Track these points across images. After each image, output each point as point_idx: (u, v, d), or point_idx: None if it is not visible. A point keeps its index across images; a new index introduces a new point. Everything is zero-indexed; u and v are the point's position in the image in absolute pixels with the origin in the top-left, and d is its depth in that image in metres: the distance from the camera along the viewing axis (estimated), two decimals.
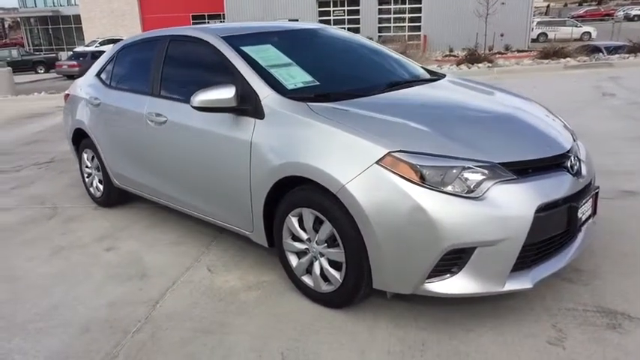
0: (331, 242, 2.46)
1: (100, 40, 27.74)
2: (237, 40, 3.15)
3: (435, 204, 2.13)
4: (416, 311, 2.51)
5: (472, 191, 2.16)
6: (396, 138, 2.28)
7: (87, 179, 4.56)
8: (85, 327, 2.60)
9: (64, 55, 30.19)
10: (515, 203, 2.17)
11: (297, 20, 29.46)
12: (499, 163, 2.23)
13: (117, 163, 3.98)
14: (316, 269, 2.58)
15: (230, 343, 2.38)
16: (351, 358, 2.22)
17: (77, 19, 35.30)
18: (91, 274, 3.20)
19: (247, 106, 2.76)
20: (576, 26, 31.05)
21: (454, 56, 14.28)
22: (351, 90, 2.87)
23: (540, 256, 2.34)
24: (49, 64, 25.94)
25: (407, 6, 29.90)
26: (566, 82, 9.88)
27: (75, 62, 22.54)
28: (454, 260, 2.20)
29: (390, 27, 30.12)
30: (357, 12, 30.18)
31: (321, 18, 30.38)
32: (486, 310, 2.48)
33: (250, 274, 3.04)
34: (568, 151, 2.46)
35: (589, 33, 30.38)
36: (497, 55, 16.72)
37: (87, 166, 4.50)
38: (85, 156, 4.48)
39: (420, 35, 29.48)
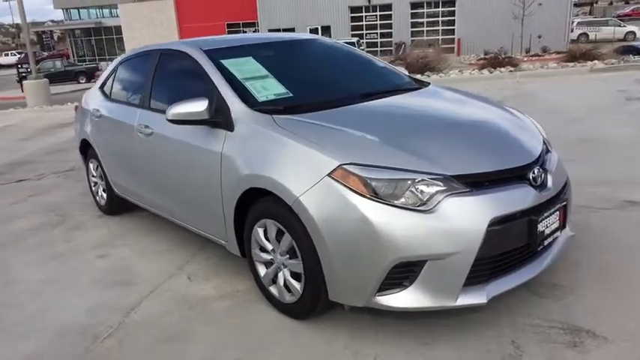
0: (292, 253, 2.48)
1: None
2: (219, 53, 3.22)
3: (383, 217, 2.12)
4: (378, 324, 2.50)
5: (423, 204, 2.14)
6: (350, 150, 2.29)
7: (93, 188, 4.75)
8: (61, 332, 2.71)
9: (104, 65, 31.42)
10: (467, 216, 2.14)
11: (316, 29, 29.64)
12: (452, 176, 2.20)
13: (116, 172, 4.14)
14: (280, 280, 2.61)
15: (188, 352, 2.44)
16: None
17: (118, 29, 36.68)
18: (79, 280, 3.34)
19: (220, 118, 2.82)
20: (620, 26, 29.81)
21: (507, 58, 13.97)
22: (322, 101, 2.88)
23: (498, 271, 2.28)
24: (90, 74, 27.03)
25: (440, 9, 29.55)
26: (590, 85, 9.53)
27: None
28: (405, 273, 2.18)
29: (423, 31, 29.81)
30: (389, 17, 30.05)
31: (353, 24, 30.44)
32: (450, 324, 2.44)
33: (227, 283, 3.09)
34: (532, 163, 2.39)
35: (633, 33, 29.12)
36: (525, 59, 16.26)
37: (93, 176, 4.68)
38: (91, 166, 4.66)
39: (454, 39, 29.08)
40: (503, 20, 26.72)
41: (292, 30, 31.01)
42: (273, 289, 2.69)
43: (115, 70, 4.29)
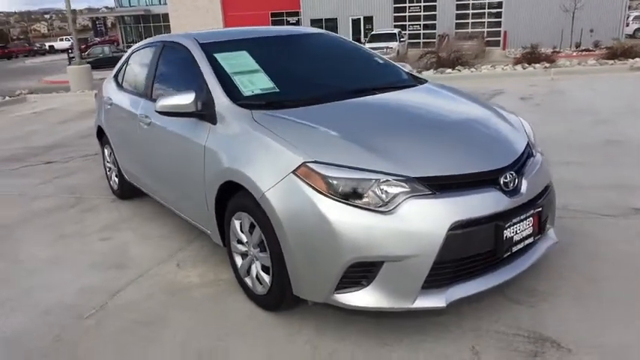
0: (262, 247, 2.53)
1: None
2: (214, 47, 3.28)
3: (341, 216, 2.13)
4: (345, 321, 2.51)
5: (383, 205, 2.13)
6: (316, 148, 2.30)
7: (108, 173, 4.95)
8: (47, 310, 2.87)
9: None
10: (428, 219, 2.12)
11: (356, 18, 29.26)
12: (416, 178, 2.17)
13: (124, 159, 4.30)
14: (253, 272, 2.66)
15: (160, 337, 2.53)
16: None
17: (166, 17, 37.57)
18: (78, 261, 3.50)
19: (205, 111, 2.88)
20: None
21: (544, 53, 13.40)
22: (307, 97, 2.89)
23: (461, 275, 2.25)
24: None
25: (487, 1, 28.67)
26: (627, 84, 9.06)
27: None
28: (364, 273, 2.18)
29: (468, 23, 29.04)
30: (433, 8, 29.42)
31: (396, 14, 30.01)
32: (415, 325, 2.43)
33: (212, 272, 3.17)
34: (504, 168, 2.33)
35: None
36: (562, 54, 15.54)
37: (107, 161, 4.88)
38: (105, 151, 4.86)
39: (500, 31, 28.19)
40: (553, 13, 25.70)
41: (334, 20, 30.95)
42: (247, 280, 2.74)
43: (127, 60, 4.43)
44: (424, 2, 29.47)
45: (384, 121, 2.62)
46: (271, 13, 34.82)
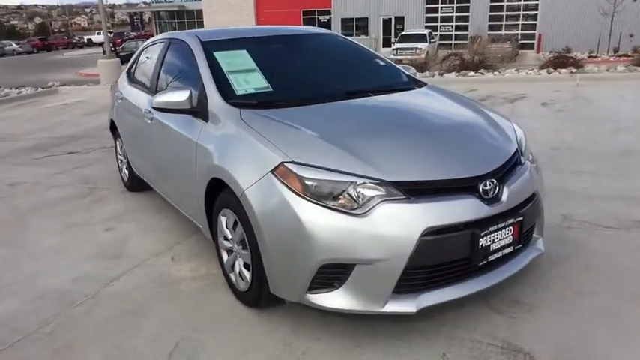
0: (244, 244, 2.57)
1: None
2: (215, 45, 3.34)
3: (314, 217, 2.15)
4: (321, 321, 2.52)
5: (357, 208, 2.14)
6: (296, 149, 2.32)
7: (120, 165, 5.09)
8: (42, 295, 2.98)
9: None
10: (400, 224, 2.11)
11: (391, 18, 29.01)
12: (392, 182, 2.17)
13: (132, 153, 4.41)
14: (236, 267, 2.70)
15: (142, 326, 2.60)
16: (228, 356, 2.32)
17: (200, 13, 38.12)
18: (80, 250, 3.62)
19: (199, 108, 2.94)
20: None
21: (571, 58, 12.94)
22: (299, 98, 2.92)
23: (434, 282, 2.24)
24: None
25: (522, 2, 28.07)
26: None
27: None
28: (335, 274, 2.20)
29: (501, 25, 28.49)
30: (466, 9, 28.98)
31: (428, 15, 29.70)
32: (390, 330, 2.42)
33: (204, 266, 3.24)
34: (484, 175, 2.30)
35: None
36: (598, 59, 15.06)
37: (119, 154, 5.01)
38: (118, 144, 4.99)
39: (534, 34, 27.58)
40: (590, 17, 24.97)
41: (365, 19, 30.86)
42: (232, 276, 2.79)
43: (139, 55, 4.54)
44: (457, 3, 29.05)
45: (370, 124, 2.62)
46: (303, 12, 34.92)
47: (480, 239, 2.22)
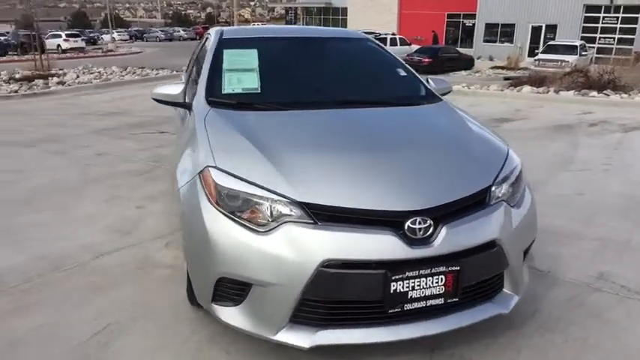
0: None
1: None
2: (230, 42, 3.39)
3: (219, 228, 2.07)
4: (242, 334, 2.43)
5: (261, 225, 2.02)
6: (226, 156, 2.25)
7: None
8: (45, 256, 3.31)
9: None
10: (300, 249, 1.95)
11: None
12: (302, 203, 2.00)
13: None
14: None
15: (95, 302, 2.75)
16: (139, 350, 2.36)
17: (345, 11, 38.93)
18: (103, 221, 3.95)
19: (190, 103, 3.01)
20: None
21: None
22: (282, 102, 2.85)
23: (337, 319, 2.02)
24: None
25: None
26: None
27: None
28: (237, 291, 2.10)
29: None
30: (634, 20, 25.52)
31: (586, 24, 26.76)
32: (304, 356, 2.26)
33: None
34: (413, 212, 2.00)
35: None
36: None
37: None
38: None
39: None
40: None
41: (512, 26, 28.83)
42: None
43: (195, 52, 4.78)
44: (623, 13, 25.71)
45: (327, 137, 2.45)
46: (447, 14, 33.77)
47: (392, 283, 1.95)
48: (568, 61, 20.49)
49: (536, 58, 21.87)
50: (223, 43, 3.36)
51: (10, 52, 27.92)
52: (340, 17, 40.10)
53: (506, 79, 15.38)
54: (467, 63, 21.60)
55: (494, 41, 29.78)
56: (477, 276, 2.12)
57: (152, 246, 3.49)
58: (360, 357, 2.25)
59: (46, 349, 2.36)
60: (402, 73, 3.40)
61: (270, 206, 2.03)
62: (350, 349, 2.22)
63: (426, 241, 2.00)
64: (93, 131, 7.67)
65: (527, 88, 11.51)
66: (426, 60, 20.59)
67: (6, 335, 2.46)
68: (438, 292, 2.03)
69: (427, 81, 3.48)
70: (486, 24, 29.74)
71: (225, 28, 3.72)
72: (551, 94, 10.70)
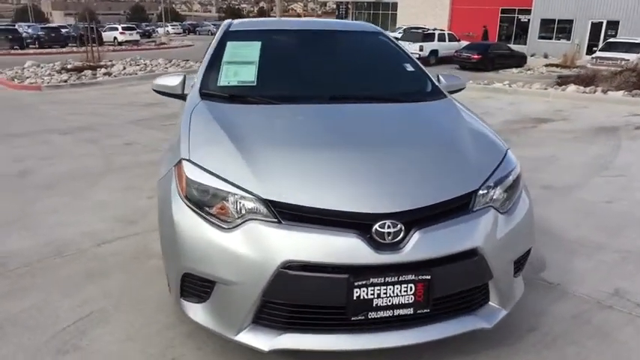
0: None
1: (404, 28, 29.50)
2: (236, 35, 3.34)
3: (186, 222, 2.03)
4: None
5: (225, 221, 1.96)
6: (202, 149, 2.20)
7: None
8: (50, 242, 3.40)
9: None
10: (262, 249, 1.87)
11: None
12: (268, 200, 1.93)
13: None
14: None
15: (84, 290, 2.79)
16: (113, 339, 2.37)
17: (395, 6, 38.35)
18: (113, 210, 4.03)
19: (187, 94, 2.99)
20: None
21: None
22: (275, 95, 2.78)
23: (300, 324, 1.94)
24: None
25: None
26: None
27: None
28: (203, 287, 2.05)
29: None
30: None
31: None
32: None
33: None
34: (384, 214, 1.88)
35: None
36: None
37: None
38: None
39: None
40: None
41: (570, 22, 27.49)
42: None
43: None
44: None
45: (309, 133, 2.36)
46: (501, 9, 32.62)
47: (355, 289, 1.84)
48: (629, 60, 19.33)
49: (593, 55, 20.76)
50: (229, 35, 3.32)
51: (70, 44, 29.25)
52: (390, 12, 39.54)
53: (560, 77, 14.66)
54: (518, 60, 20.76)
55: (550, 38, 28.51)
56: (453, 286, 1.98)
57: (151, 237, 3.50)
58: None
59: (29, 333, 2.40)
60: (409, 68, 3.24)
61: (237, 202, 1.97)
62: (328, 356, 2.13)
63: (395, 246, 1.87)
64: (128, 121, 7.89)
65: (572, 88, 10.92)
66: (475, 57, 19.96)
67: None
68: (407, 302, 1.90)
69: (437, 77, 3.32)
70: (542, 19, 28.50)
71: (235, 20, 3.68)
72: (598, 94, 10.09)
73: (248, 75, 2.96)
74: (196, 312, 2.09)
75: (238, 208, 1.96)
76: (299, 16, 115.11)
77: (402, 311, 1.92)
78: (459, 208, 2.03)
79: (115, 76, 13.08)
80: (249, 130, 2.34)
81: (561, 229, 3.72)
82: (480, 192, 2.09)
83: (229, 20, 3.70)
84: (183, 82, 3.02)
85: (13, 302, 2.67)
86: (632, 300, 2.76)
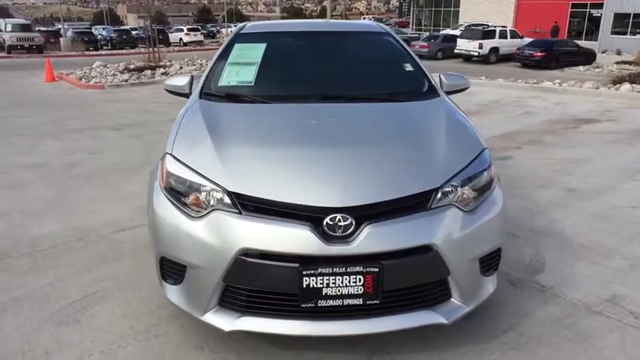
0: None
1: (465, 25, 28.76)
2: (245, 37, 3.53)
3: (162, 211, 2.23)
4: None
5: (195, 211, 2.14)
6: (183, 144, 2.39)
7: None
8: (75, 227, 3.75)
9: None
10: (223, 237, 2.03)
11: None
12: (232, 192, 2.08)
13: None
14: None
15: (95, 272, 3.08)
16: (111, 317, 2.60)
17: (457, 2, 37.43)
18: (140, 200, 4.32)
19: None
20: None
21: None
22: (271, 95, 2.92)
23: (257, 307, 2.08)
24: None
25: None
26: None
27: (426, 43, 24.44)
28: (178, 271, 2.24)
29: None
30: None
31: None
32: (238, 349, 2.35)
33: None
34: (334, 208, 1.97)
35: None
36: None
37: None
38: None
39: None
40: None
41: None
42: None
43: None
44: None
45: (283, 131, 2.49)
46: (571, 4, 30.99)
47: (305, 278, 1.95)
48: None
49: None
50: (239, 37, 3.51)
51: (139, 45, 30.95)
52: (452, 9, 38.63)
53: (632, 75, 13.74)
54: (586, 57, 19.59)
55: (624, 33, 26.78)
56: (405, 280, 2.04)
57: None
58: (298, 353, 2.28)
59: (39, 306, 2.70)
60: (409, 68, 3.28)
61: (208, 194, 2.13)
62: (293, 345, 2.26)
63: (344, 239, 1.97)
64: (171, 119, 8.31)
65: (626, 87, 10.27)
66: (538, 54, 19.11)
67: (14, 291, 2.86)
68: (355, 292, 1.99)
69: (440, 77, 3.34)
70: (616, 14, 26.84)
71: (249, 23, 3.87)
72: (612, 90, 9.49)
73: (247, 75, 3.13)
74: (172, 293, 2.28)
75: (208, 199, 2.13)
76: (361, 14, 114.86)
77: (351, 301, 2.01)
78: (416, 204, 2.08)
79: (171, 76, 13.77)
80: (232, 128, 2.50)
81: (574, 233, 3.61)
82: (443, 190, 2.14)
83: (244, 23, 3.89)
84: (191, 82, 3.24)
85: (34, 278, 3.00)
86: (627, 307, 2.67)
